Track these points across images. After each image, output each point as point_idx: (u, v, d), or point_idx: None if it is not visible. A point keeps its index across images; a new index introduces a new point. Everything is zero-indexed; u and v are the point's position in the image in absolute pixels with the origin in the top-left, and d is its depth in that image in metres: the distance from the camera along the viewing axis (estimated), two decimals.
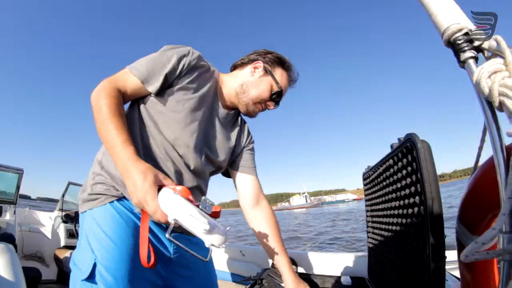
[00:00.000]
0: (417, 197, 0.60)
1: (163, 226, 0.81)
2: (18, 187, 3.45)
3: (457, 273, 0.80)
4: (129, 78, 0.77)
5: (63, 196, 3.67)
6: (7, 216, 3.29)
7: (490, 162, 0.62)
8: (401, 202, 0.69)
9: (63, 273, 2.92)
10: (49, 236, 3.47)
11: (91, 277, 0.68)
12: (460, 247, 0.74)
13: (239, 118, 1.02)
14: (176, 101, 0.81)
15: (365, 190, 1.05)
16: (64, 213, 3.42)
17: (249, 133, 1.05)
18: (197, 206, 0.58)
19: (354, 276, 1.03)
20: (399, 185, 0.70)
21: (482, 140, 0.66)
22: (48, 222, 3.85)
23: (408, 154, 0.63)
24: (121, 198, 0.76)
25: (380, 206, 0.88)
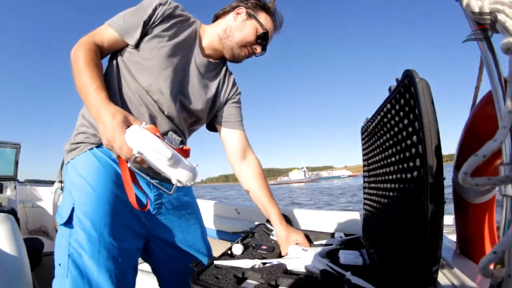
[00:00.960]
0: (414, 137, 0.55)
1: (145, 174, 0.82)
2: (16, 162, 3.47)
3: (453, 238, 0.78)
4: (107, 32, 0.79)
5: (61, 167, 3.67)
6: (8, 192, 3.33)
7: (487, 97, 0.57)
8: (399, 147, 0.65)
9: None
10: (51, 209, 3.52)
11: (69, 222, 0.69)
12: (457, 199, 0.71)
13: (224, 68, 0.98)
14: (150, 49, 0.80)
15: (363, 145, 1.01)
16: (63, 184, 3.41)
17: (234, 84, 1.01)
18: (164, 141, 0.58)
19: (349, 233, 1.01)
20: (396, 129, 0.66)
21: (479, 79, 0.61)
22: (50, 196, 3.89)
23: (406, 93, 0.58)
24: (100, 145, 0.77)
25: (377, 158, 0.85)
